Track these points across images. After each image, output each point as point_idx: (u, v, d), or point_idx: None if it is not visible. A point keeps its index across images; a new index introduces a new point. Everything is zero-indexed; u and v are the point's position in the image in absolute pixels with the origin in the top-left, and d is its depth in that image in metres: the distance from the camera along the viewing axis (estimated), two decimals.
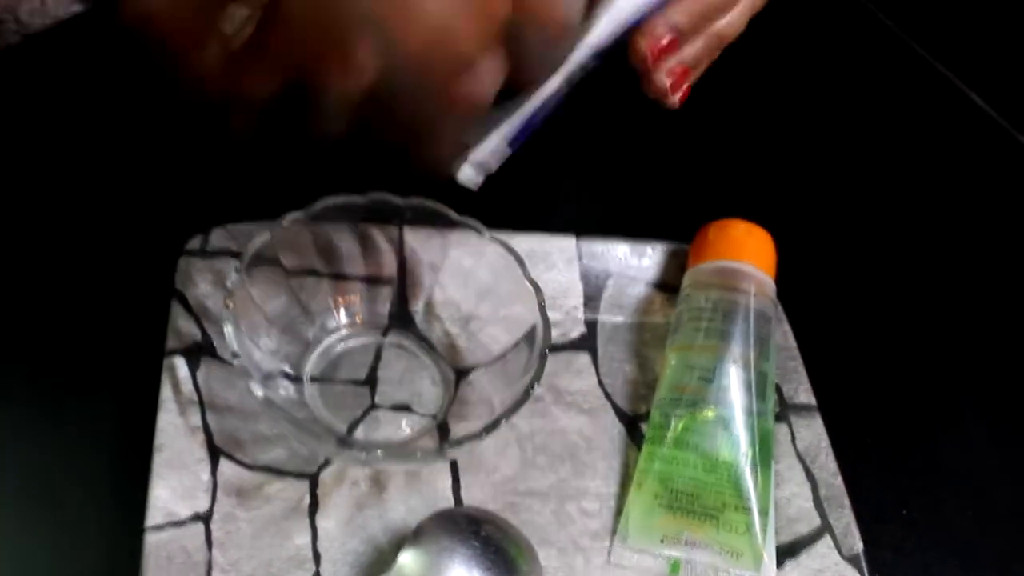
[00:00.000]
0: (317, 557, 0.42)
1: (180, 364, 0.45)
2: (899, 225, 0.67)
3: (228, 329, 0.40)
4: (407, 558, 0.38)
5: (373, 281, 0.50)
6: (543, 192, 0.61)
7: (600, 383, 0.51)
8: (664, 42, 0.45)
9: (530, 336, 0.45)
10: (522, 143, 0.44)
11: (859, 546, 0.45)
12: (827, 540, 0.46)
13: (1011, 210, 0.71)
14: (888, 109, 0.77)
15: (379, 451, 0.43)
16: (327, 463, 0.44)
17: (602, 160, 0.66)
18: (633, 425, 0.50)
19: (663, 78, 0.46)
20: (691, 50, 0.46)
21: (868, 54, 0.82)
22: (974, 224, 0.69)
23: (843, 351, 0.57)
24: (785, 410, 0.51)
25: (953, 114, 0.78)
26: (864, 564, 0.44)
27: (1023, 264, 0.66)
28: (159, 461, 0.41)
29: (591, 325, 0.54)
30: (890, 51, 0.82)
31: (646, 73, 0.46)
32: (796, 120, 0.73)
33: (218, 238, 0.49)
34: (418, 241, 0.49)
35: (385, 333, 0.50)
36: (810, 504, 0.47)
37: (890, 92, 0.78)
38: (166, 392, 0.44)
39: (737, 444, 0.46)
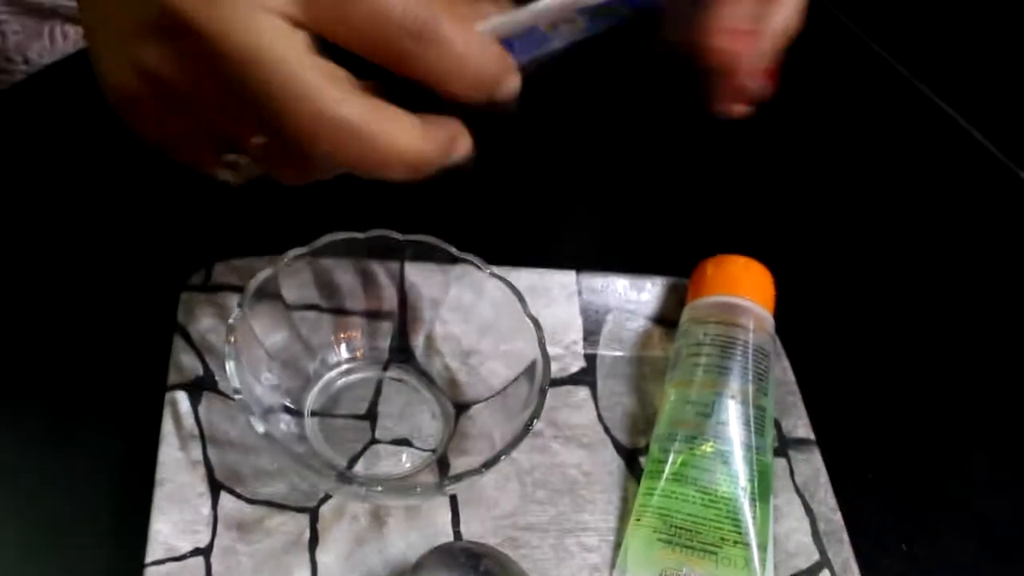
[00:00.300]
0: None
1: (182, 398, 0.45)
2: (897, 260, 0.67)
3: (230, 364, 0.41)
4: None
5: (374, 316, 0.50)
6: (543, 227, 0.62)
7: (599, 417, 0.51)
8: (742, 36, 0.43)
9: (530, 371, 0.46)
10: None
11: None
12: (826, 575, 0.45)
13: (1010, 243, 0.71)
14: (887, 145, 0.77)
15: (379, 486, 0.43)
16: (327, 497, 0.45)
17: (602, 195, 0.67)
18: (632, 459, 0.50)
19: (753, 81, 0.44)
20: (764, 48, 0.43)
21: (866, 89, 0.83)
22: (973, 259, 0.69)
23: (841, 386, 0.57)
24: (784, 445, 0.51)
25: (952, 149, 0.78)
26: None
27: (1021, 297, 0.67)
28: (160, 495, 0.42)
29: (591, 359, 0.54)
30: (889, 86, 0.83)
31: (731, 75, 0.43)
32: (796, 157, 0.73)
33: (220, 273, 0.49)
34: (419, 276, 0.50)
35: (386, 368, 0.50)
36: (809, 539, 0.47)
37: (888, 128, 0.79)
38: (167, 426, 0.44)
39: (736, 479, 0.46)
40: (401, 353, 0.50)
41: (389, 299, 0.50)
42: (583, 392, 0.52)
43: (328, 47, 0.32)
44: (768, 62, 0.44)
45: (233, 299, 0.46)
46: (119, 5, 0.33)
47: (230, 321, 0.42)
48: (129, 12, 0.32)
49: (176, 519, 0.41)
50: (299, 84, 0.30)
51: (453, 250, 0.48)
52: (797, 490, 0.49)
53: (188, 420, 0.44)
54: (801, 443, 0.51)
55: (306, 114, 0.31)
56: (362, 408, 0.48)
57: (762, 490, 0.46)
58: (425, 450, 0.47)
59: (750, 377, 0.48)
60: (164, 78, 0.33)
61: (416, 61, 0.31)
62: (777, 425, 0.51)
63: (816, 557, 0.46)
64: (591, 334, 0.54)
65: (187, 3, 0.30)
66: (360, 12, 0.30)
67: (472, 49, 0.32)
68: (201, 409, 0.45)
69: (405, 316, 0.50)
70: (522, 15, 0.34)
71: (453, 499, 0.46)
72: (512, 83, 0.33)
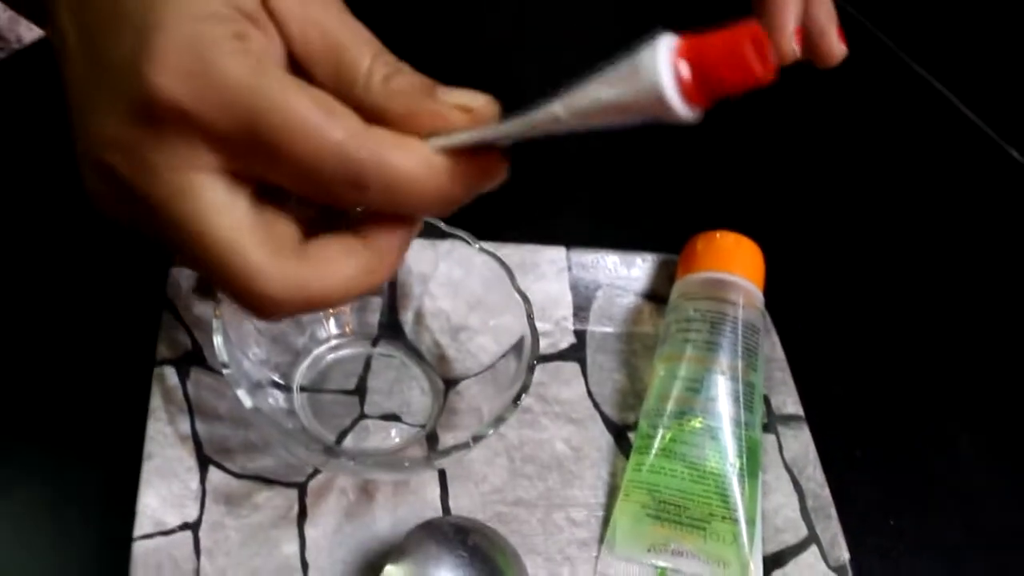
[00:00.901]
0: (305, 566, 0.42)
1: (170, 373, 0.45)
2: (887, 236, 0.68)
3: (218, 339, 0.40)
4: (395, 567, 0.38)
5: None
6: (533, 203, 0.61)
7: (589, 393, 0.52)
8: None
9: (519, 347, 0.46)
10: None
11: (846, 556, 0.45)
12: (814, 550, 0.46)
13: (1000, 220, 0.71)
14: (876, 120, 0.77)
15: (367, 460, 0.43)
16: (316, 472, 0.45)
17: (592, 171, 0.67)
18: (621, 435, 0.50)
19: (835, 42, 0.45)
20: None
21: (858, 66, 0.82)
22: (963, 235, 0.69)
23: (831, 362, 0.57)
24: (773, 421, 0.51)
25: (941, 124, 0.78)
26: (851, 574, 0.45)
27: (1011, 274, 0.67)
28: (148, 469, 0.41)
29: (580, 335, 0.54)
30: (880, 63, 0.82)
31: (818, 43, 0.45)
32: (785, 132, 0.73)
33: None
34: (408, 251, 0.49)
35: (375, 343, 0.50)
36: (797, 514, 0.47)
37: (879, 103, 0.79)
38: (156, 401, 0.44)
39: (724, 454, 0.46)
40: (390, 328, 0.50)
41: None
42: (573, 367, 0.52)
43: None
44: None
45: None
46: (79, 122, 0.31)
47: (219, 295, 0.42)
48: (83, 138, 0.31)
49: (164, 493, 0.41)
50: (233, 264, 0.30)
51: (442, 225, 0.48)
52: (786, 466, 0.49)
53: (177, 395, 0.44)
54: (790, 419, 0.51)
55: (243, 292, 0.30)
56: (351, 383, 0.48)
57: (751, 466, 0.46)
58: (414, 425, 0.47)
59: (739, 353, 0.48)
60: (115, 204, 0.32)
61: (364, 201, 0.30)
62: (766, 401, 0.51)
63: (804, 532, 0.46)
64: (581, 310, 0.54)
65: (114, 156, 0.29)
66: (293, 165, 0.29)
67: (424, 178, 0.30)
68: (190, 384, 0.45)
69: (394, 291, 0.50)
70: (487, 132, 0.31)
71: (442, 474, 0.46)
72: (472, 186, 0.31)
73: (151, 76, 0.28)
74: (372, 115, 0.30)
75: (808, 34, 0.45)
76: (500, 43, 0.74)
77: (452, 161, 0.30)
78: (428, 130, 0.30)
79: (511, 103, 0.31)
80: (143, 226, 0.32)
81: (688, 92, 0.26)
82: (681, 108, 0.26)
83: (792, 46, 0.44)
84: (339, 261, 0.31)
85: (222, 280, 0.30)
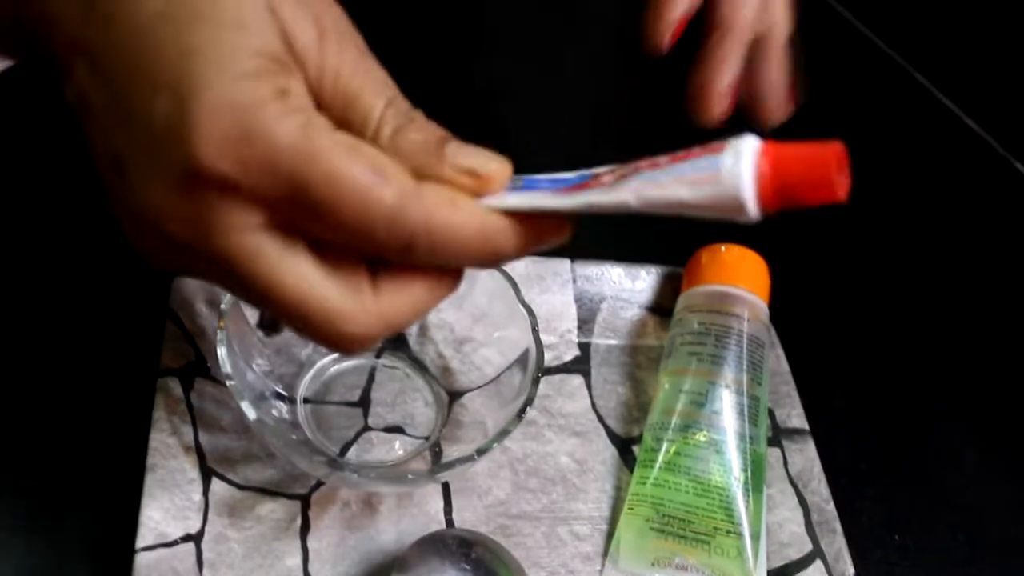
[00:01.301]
0: None
1: (173, 384, 0.45)
2: (891, 249, 0.67)
3: (222, 350, 0.40)
4: None
5: None
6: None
7: (593, 406, 0.51)
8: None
9: (523, 359, 0.46)
10: None
11: (850, 571, 0.45)
12: (819, 565, 0.46)
13: (1004, 233, 0.71)
14: (880, 132, 0.77)
15: (371, 473, 0.43)
16: (319, 484, 0.44)
17: None
18: (625, 448, 0.50)
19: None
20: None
21: (862, 78, 0.82)
22: (967, 247, 0.69)
23: (836, 375, 0.57)
24: (778, 434, 0.51)
25: (945, 137, 0.78)
26: None
27: (1015, 287, 0.67)
28: (151, 481, 0.41)
29: (585, 348, 0.54)
30: (884, 75, 0.82)
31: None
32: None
33: None
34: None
35: (378, 355, 0.50)
36: (802, 529, 0.47)
37: (882, 116, 0.79)
38: (159, 412, 0.44)
39: (729, 468, 0.46)
40: (394, 340, 0.50)
41: None
42: (577, 380, 0.52)
43: None
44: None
45: None
46: (119, 183, 0.30)
47: (222, 307, 0.42)
48: (126, 201, 0.30)
49: (167, 505, 0.41)
50: (314, 313, 0.30)
51: None
52: (791, 480, 0.49)
53: (180, 406, 0.44)
54: (795, 433, 0.51)
55: (330, 336, 0.30)
56: (355, 395, 0.48)
57: (755, 480, 0.46)
58: (418, 438, 0.47)
59: (744, 366, 0.48)
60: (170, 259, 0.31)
61: (414, 260, 0.30)
62: (771, 415, 0.51)
63: (809, 547, 0.46)
64: (585, 322, 0.54)
65: (166, 223, 0.29)
66: (344, 229, 0.28)
67: (474, 241, 0.30)
68: (193, 395, 0.45)
69: None
70: (543, 203, 0.30)
71: (445, 487, 0.46)
72: (526, 248, 0.31)
73: (197, 148, 0.27)
74: None
75: (752, 94, 0.46)
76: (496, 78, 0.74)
77: (506, 223, 0.30)
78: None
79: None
80: (205, 278, 0.32)
81: (765, 201, 0.26)
82: (755, 214, 0.26)
83: (722, 106, 0.45)
84: (411, 286, 0.31)
85: (306, 328, 0.30)
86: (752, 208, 0.26)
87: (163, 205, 0.28)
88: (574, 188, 0.30)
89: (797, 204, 0.26)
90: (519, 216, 0.30)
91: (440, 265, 0.31)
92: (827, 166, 0.26)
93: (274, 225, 0.29)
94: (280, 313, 0.30)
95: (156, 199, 0.28)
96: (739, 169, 0.26)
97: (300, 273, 0.29)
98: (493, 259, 0.31)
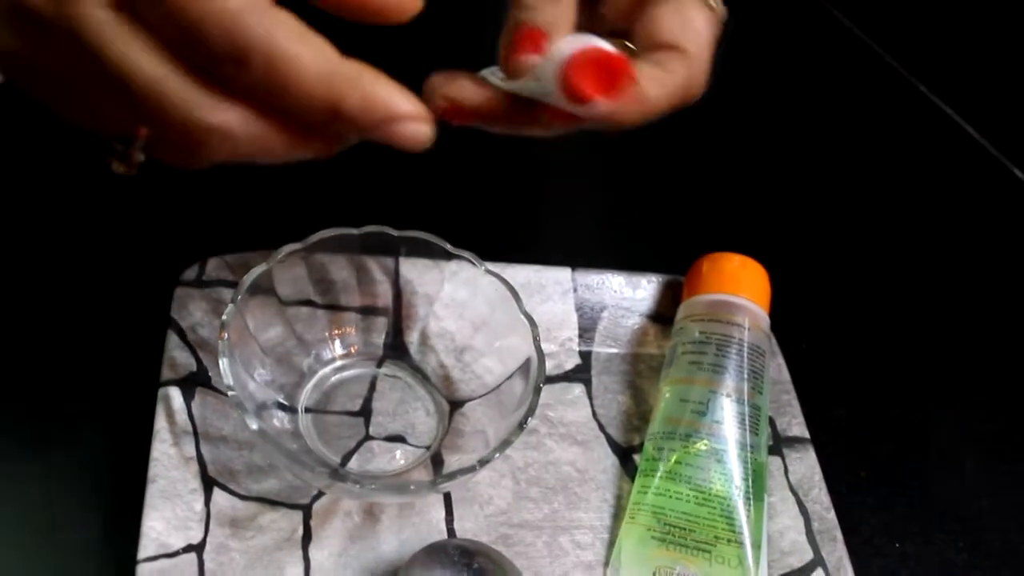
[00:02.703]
0: None
1: (175, 394, 0.45)
2: (893, 257, 0.68)
3: (223, 360, 0.40)
4: None
5: (368, 312, 0.50)
6: (538, 224, 0.62)
7: (594, 415, 0.51)
8: None
9: (525, 369, 0.46)
10: None
11: None
12: (820, 574, 0.46)
13: (1004, 241, 0.71)
14: (883, 143, 0.77)
15: (372, 484, 0.43)
16: (320, 494, 0.44)
17: (597, 192, 0.67)
18: (627, 457, 0.50)
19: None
20: None
21: (863, 88, 0.83)
22: (967, 256, 0.69)
23: (836, 384, 0.57)
24: (778, 443, 0.51)
25: (947, 145, 0.78)
26: None
27: (1016, 295, 0.67)
28: (153, 491, 0.41)
29: (586, 356, 0.54)
30: (886, 85, 0.83)
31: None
32: (791, 154, 0.73)
33: (214, 268, 0.49)
34: (414, 272, 0.49)
35: (380, 364, 0.50)
36: (803, 537, 0.47)
37: (884, 125, 0.79)
38: (160, 422, 0.44)
39: (730, 477, 0.46)
40: (395, 349, 0.50)
41: (384, 295, 0.50)
42: (578, 389, 0.52)
43: None
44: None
45: (227, 294, 0.45)
46: None
47: (224, 317, 0.42)
48: None
49: (169, 515, 0.41)
50: (165, 88, 0.29)
51: (448, 246, 0.48)
52: (791, 488, 0.49)
53: (181, 416, 0.44)
54: (796, 441, 0.51)
55: (178, 118, 0.30)
56: (356, 405, 0.48)
57: (756, 488, 0.46)
58: (419, 447, 0.47)
59: (745, 375, 0.48)
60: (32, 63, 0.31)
61: (246, 83, 0.29)
62: (772, 423, 0.51)
63: (810, 556, 0.46)
64: (586, 331, 0.54)
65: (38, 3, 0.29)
66: (181, 21, 0.28)
67: (313, 73, 0.29)
68: (194, 405, 0.45)
69: (400, 312, 0.50)
70: None
71: (447, 496, 0.46)
72: (370, 111, 0.30)
73: None
74: None
75: None
76: None
77: (358, 74, 0.29)
78: None
79: None
80: (60, 82, 0.32)
81: (570, 79, 0.33)
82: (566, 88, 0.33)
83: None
84: (261, 117, 0.30)
85: (160, 109, 0.29)
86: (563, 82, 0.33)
87: None
88: None
89: (587, 92, 0.33)
90: (374, 74, 0.30)
91: (274, 102, 0.30)
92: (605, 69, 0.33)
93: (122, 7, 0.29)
94: (136, 95, 0.29)
95: None
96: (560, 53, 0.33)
97: (153, 58, 0.29)
98: (330, 108, 0.29)
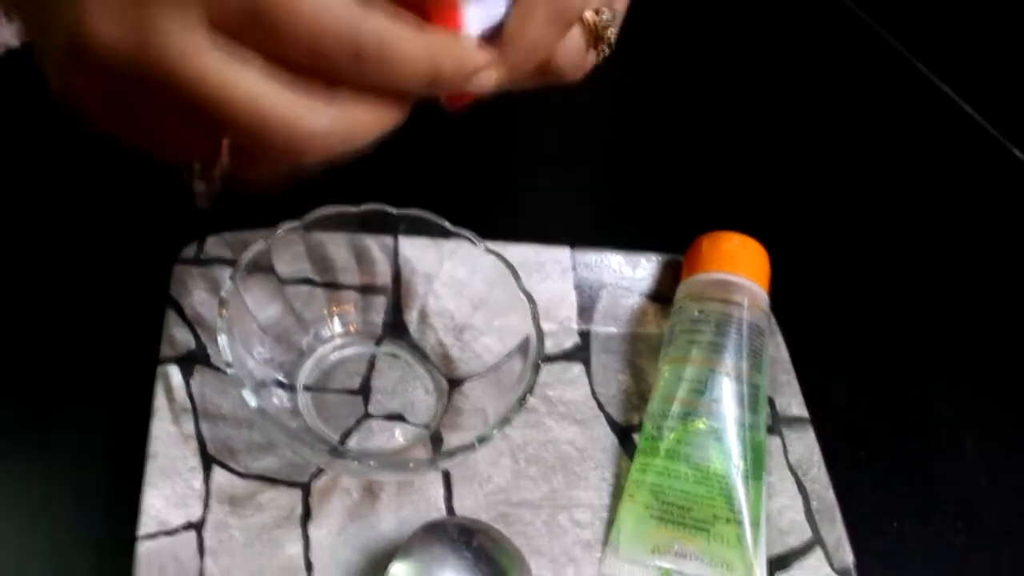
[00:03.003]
0: (309, 566, 0.42)
1: (174, 372, 0.45)
2: (892, 237, 0.67)
3: (222, 338, 0.40)
4: (399, 568, 0.38)
5: (367, 290, 0.50)
6: (538, 202, 0.61)
7: (593, 394, 0.51)
8: None
9: (524, 347, 0.46)
10: None
11: (850, 559, 0.45)
12: (818, 553, 0.46)
13: (1005, 222, 0.71)
14: (881, 121, 0.77)
15: (371, 461, 0.43)
16: (320, 472, 0.44)
17: (597, 171, 0.67)
18: (626, 436, 0.50)
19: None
20: None
21: (862, 67, 0.82)
22: (968, 236, 0.69)
23: (836, 363, 0.57)
24: (777, 422, 0.51)
25: (946, 125, 0.78)
26: None
27: (1016, 276, 0.67)
28: (152, 469, 0.41)
29: (585, 335, 0.54)
30: (885, 63, 0.82)
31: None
32: (791, 133, 0.73)
33: (213, 246, 0.49)
34: (413, 251, 0.49)
35: (379, 342, 0.50)
36: (802, 516, 0.47)
37: (884, 104, 0.79)
38: (159, 400, 0.44)
39: (729, 456, 0.46)
40: (394, 328, 0.50)
41: (383, 273, 0.50)
42: (577, 368, 0.52)
43: None
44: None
45: (226, 272, 0.45)
46: (46, 24, 0.30)
47: (222, 294, 0.42)
48: (58, 33, 0.30)
49: (168, 493, 0.41)
50: (264, 105, 0.29)
51: (447, 224, 0.48)
52: (790, 468, 0.49)
53: (180, 394, 0.44)
54: (795, 421, 0.51)
55: (280, 134, 0.30)
56: (355, 383, 0.48)
57: (755, 467, 0.46)
58: (418, 425, 0.47)
59: (744, 354, 0.48)
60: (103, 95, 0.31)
61: (361, 74, 0.30)
62: (771, 403, 0.51)
63: (809, 535, 0.46)
64: (585, 310, 0.54)
65: (110, 28, 0.28)
66: (295, 37, 0.29)
67: (419, 51, 0.30)
68: (193, 383, 0.45)
69: (399, 290, 0.50)
70: None
71: (446, 475, 0.46)
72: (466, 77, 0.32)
73: None
74: None
75: None
76: None
77: (454, 45, 0.31)
78: None
79: None
80: (146, 116, 0.31)
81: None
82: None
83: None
84: (364, 99, 0.31)
85: (262, 129, 0.30)
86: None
87: (97, 15, 0.28)
88: None
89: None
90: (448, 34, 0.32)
91: (384, 85, 0.31)
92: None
93: (219, 28, 0.28)
94: (231, 117, 0.29)
95: (91, 8, 0.28)
96: None
97: (252, 77, 0.29)
98: (432, 77, 0.31)
